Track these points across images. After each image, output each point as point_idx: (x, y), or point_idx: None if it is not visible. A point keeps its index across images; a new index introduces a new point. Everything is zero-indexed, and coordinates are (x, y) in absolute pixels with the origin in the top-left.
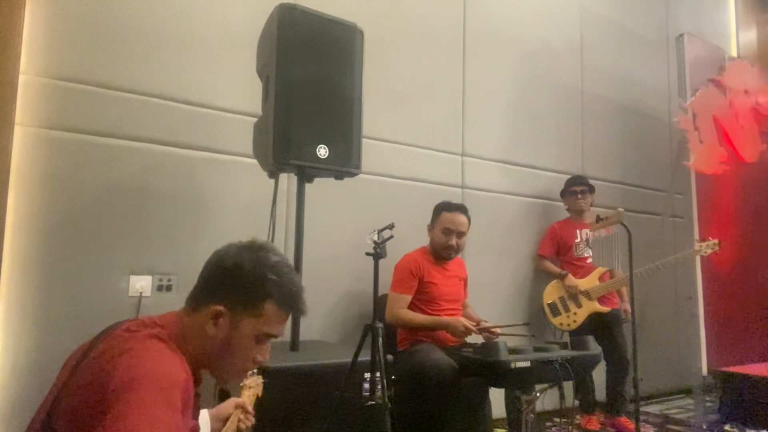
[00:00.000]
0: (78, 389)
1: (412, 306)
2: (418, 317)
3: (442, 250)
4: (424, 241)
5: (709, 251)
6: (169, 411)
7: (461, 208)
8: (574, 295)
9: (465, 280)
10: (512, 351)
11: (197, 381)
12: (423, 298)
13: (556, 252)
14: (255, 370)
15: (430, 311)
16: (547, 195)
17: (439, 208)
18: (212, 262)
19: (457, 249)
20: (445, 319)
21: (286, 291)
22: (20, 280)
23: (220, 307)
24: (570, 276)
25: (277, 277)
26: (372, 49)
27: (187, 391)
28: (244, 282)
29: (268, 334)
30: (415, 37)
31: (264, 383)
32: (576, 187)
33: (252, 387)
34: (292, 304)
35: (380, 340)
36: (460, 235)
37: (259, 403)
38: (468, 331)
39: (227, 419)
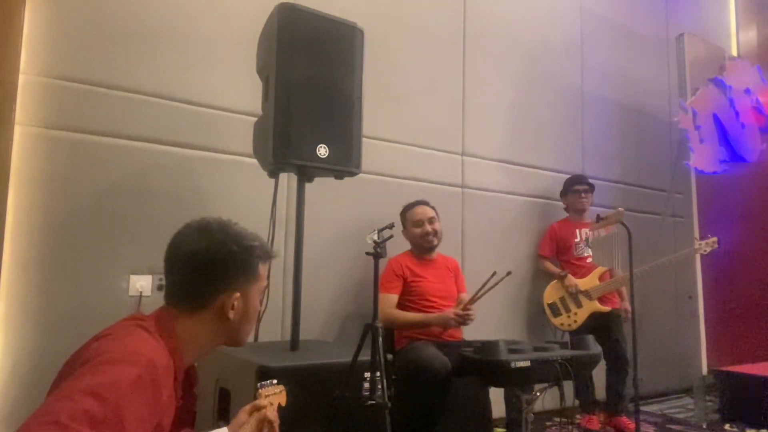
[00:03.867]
0: (60, 375)
1: (404, 306)
2: (409, 316)
3: (422, 240)
4: None
5: (708, 249)
6: (138, 387)
7: (421, 201)
8: (574, 295)
9: (456, 272)
10: (512, 351)
11: (194, 379)
12: (412, 296)
13: (555, 252)
14: (275, 381)
15: (422, 308)
16: (547, 194)
17: (402, 212)
18: (196, 258)
19: (436, 234)
20: (432, 316)
21: (263, 248)
22: (20, 280)
23: (237, 294)
24: (569, 276)
25: (253, 240)
26: (372, 49)
27: (164, 377)
28: (242, 262)
29: (266, 286)
30: (415, 37)
31: (286, 391)
32: (579, 186)
33: (269, 395)
34: (270, 254)
35: (380, 339)
36: (432, 220)
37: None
38: (461, 318)
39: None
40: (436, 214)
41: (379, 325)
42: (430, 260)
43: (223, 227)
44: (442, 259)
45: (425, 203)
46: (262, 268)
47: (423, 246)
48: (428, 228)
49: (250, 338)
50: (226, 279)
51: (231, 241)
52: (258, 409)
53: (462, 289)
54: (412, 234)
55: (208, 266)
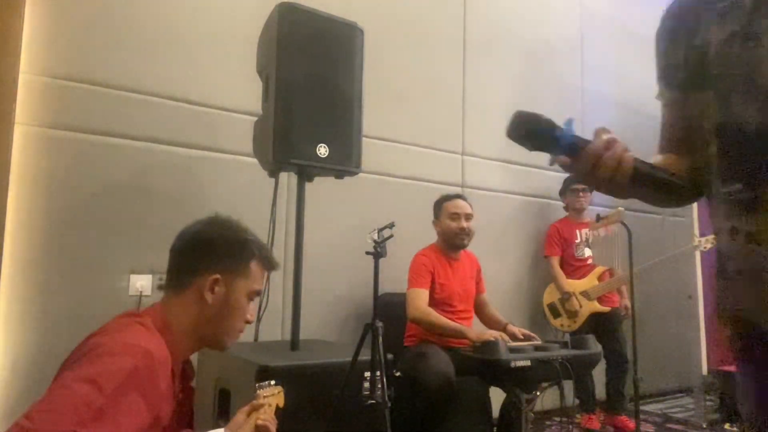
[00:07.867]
0: (59, 372)
1: None
2: (444, 320)
3: (455, 237)
4: (425, 240)
5: (708, 246)
6: (135, 378)
7: (460, 196)
8: (574, 295)
9: (478, 273)
10: (512, 350)
11: (189, 372)
12: (434, 299)
13: (562, 251)
14: (273, 381)
15: (442, 313)
16: (548, 194)
17: (439, 201)
18: (186, 241)
19: (469, 233)
20: (471, 331)
21: (264, 249)
22: (20, 280)
23: (216, 275)
24: (572, 299)
25: (254, 238)
26: (372, 48)
27: (162, 368)
28: (232, 248)
29: (257, 291)
30: (415, 36)
31: (284, 392)
32: (577, 185)
33: (268, 396)
34: (270, 260)
35: (380, 339)
36: (468, 217)
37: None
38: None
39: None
40: (471, 208)
41: (379, 324)
42: (455, 259)
43: (227, 218)
44: (465, 256)
45: (463, 198)
46: (255, 268)
47: (454, 243)
48: (464, 224)
49: (250, 338)
50: (210, 258)
51: (226, 228)
52: (256, 409)
53: (481, 289)
54: (445, 227)
55: (195, 244)
